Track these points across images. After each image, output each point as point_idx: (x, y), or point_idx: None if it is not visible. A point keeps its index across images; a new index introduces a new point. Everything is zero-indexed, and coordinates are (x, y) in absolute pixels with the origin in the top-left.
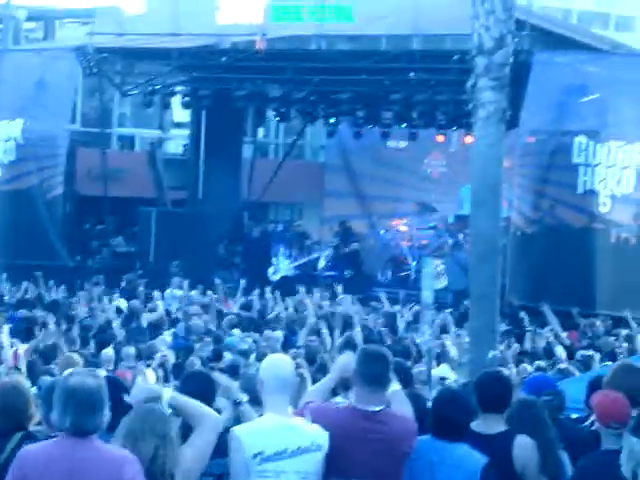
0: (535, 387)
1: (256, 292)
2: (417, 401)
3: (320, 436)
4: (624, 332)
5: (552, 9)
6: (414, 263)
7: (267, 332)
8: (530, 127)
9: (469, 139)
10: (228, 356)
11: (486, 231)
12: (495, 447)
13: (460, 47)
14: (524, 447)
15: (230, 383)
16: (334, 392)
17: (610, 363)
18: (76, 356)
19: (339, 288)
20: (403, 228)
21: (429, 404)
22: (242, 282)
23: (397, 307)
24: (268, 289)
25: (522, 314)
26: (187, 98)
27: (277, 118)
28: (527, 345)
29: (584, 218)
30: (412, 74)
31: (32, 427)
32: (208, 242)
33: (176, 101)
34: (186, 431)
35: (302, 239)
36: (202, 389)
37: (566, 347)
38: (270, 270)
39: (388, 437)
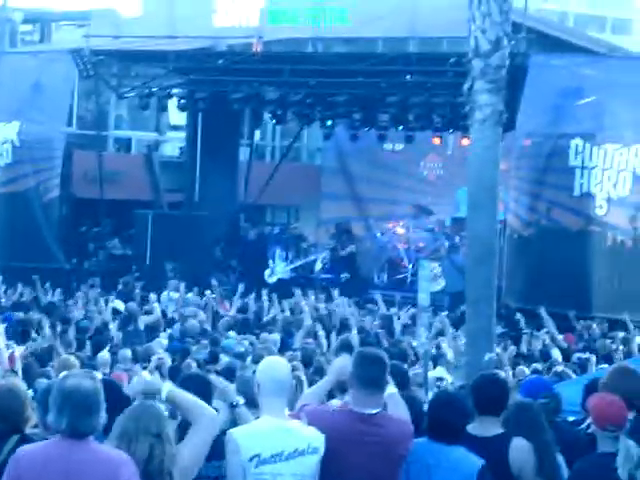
0: (531, 390)
1: (252, 295)
2: (413, 404)
3: (316, 439)
4: (621, 335)
5: (548, 12)
6: (410, 266)
7: (264, 335)
8: (526, 130)
9: (465, 141)
10: (225, 358)
11: (483, 233)
12: (491, 450)
13: (456, 50)
14: (520, 450)
15: (226, 386)
16: (331, 395)
17: (606, 366)
18: (72, 358)
19: (335, 292)
20: (400, 230)
21: (425, 407)
22: (240, 286)
23: (394, 310)
24: (265, 291)
25: (518, 316)
26: (184, 101)
27: (274, 121)
28: (523, 348)
29: (580, 221)
30: (408, 77)
31: (29, 430)
32: (205, 244)
33: (172, 103)
34: (183, 433)
35: (299, 241)
36: (198, 392)
37: (562, 350)
38: (266, 272)
39: (384, 440)
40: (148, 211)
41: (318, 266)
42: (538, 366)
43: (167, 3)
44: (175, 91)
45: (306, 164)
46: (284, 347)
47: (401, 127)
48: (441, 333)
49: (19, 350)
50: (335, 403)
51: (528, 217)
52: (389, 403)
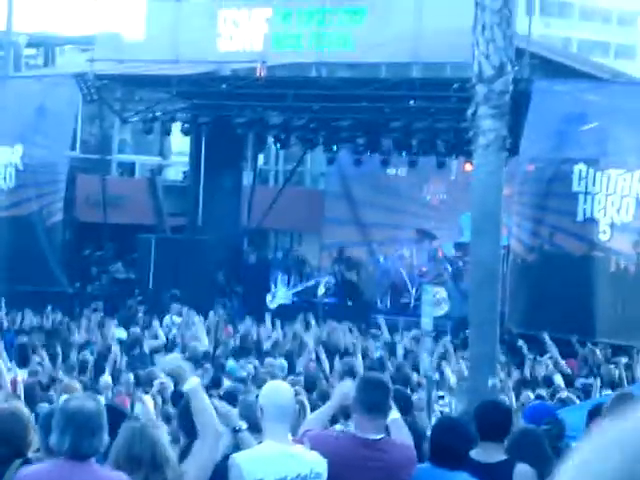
0: (534, 416)
1: (250, 320)
2: (415, 429)
3: (319, 464)
4: (624, 360)
5: (552, 37)
6: (414, 290)
7: (269, 360)
8: (530, 155)
9: (469, 167)
10: (227, 383)
11: (486, 258)
12: (495, 476)
13: (460, 75)
14: (524, 476)
15: (229, 410)
16: (334, 420)
17: (610, 392)
18: (75, 383)
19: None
20: (405, 254)
21: (428, 432)
22: (247, 320)
23: (397, 337)
24: (268, 317)
25: (520, 342)
26: (187, 125)
27: (277, 145)
28: (526, 373)
29: (584, 246)
30: (412, 102)
31: (31, 454)
32: (207, 269)
33: (176, 128)
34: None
35: (301, 266)
36: None
37: (565, 375)
38: (268, 297)
39: (387, 465)
40: (151, 235)
41: (321, 291)
42: (542, 392)
43: (171, 27)
44: (179, 115)
45: (309, 189)
46: (287, 372)
47: (404, 152)
48: (444, 358)
49: (22, 374)
50: (338, 428)
51: (531, 242)
52: (392, 428)
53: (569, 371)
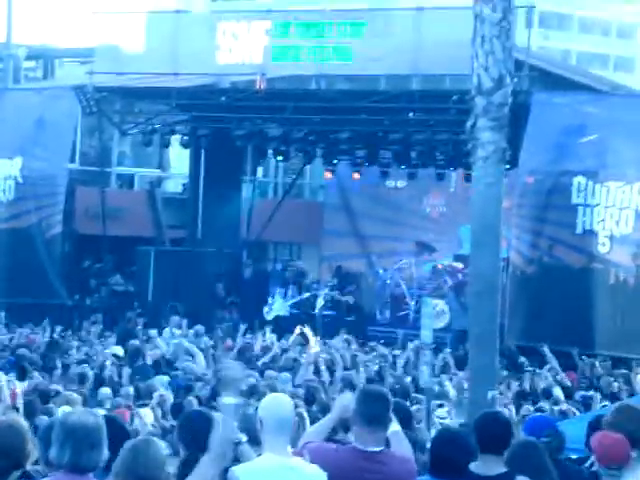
0: (534, 428)
1: (250, 333)
2: (415, 441)
3: (319, 476)
4: (624, 372)
5: (551, 49)
6: (413, 303)
7: (269, 372)
8: (529, 167)
9: (468, 179)
10: None
11: (486, 270)
12: None
13: (459, 87)
14: None
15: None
16: (334, 432)
17: (610, 404)
18: (75, 395)
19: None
20: (404, 266)
21: (428, 444)
22: (242, 327)
23: (397, 351)
24: (268, 329)
25: (521, 355)
26: (186, 137)
27: (276, 157)
28: (526, 385)
29: (583, 258)
30: (411, 114)
31: (30, 466)
32: (207, 281)
33: (175, 140)
34: (186, 469)
35: (300, 278)
36: (201, 428)
37: (565, 388)
38: (265, 309)
39: (387, 477)
40: (150, 247)
41: (320, 303)
42: (543, 405)
43: (170, 40)
44: (178, 128)
45: (309, 201)
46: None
47: (404, 164)
48: (444, 371)
49: (21, 386)
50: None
51: (530, 254)
52: (392, 440)
53: (569, 383)
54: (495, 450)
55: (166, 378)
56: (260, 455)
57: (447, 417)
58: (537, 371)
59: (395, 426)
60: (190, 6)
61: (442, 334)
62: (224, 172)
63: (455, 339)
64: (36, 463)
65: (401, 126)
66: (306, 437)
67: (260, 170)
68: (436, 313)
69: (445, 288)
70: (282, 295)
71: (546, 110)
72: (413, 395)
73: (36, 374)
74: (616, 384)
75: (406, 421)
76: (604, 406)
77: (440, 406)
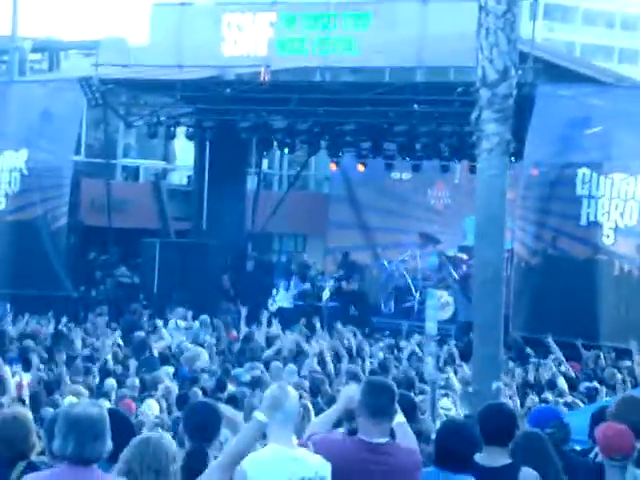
0: (539, 419)
1: (255, 324)
2: (420, 432)
3: (324, 467)
4: (628, 364)
5: (556, 42)
6: (418, 294)
7: (275, 363)
8: (534, 159)
9: (473, 171)
10: (231, 387)
11: (490, 262)
12: None
13: (464, 79)
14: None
15: (234, 414)
16: (339, 423)
17: (613, 396)
18: (81, 387)
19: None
20: (409, 258)
21: (433, 435)
22: (243, 311)
23: (403, 343)
24: (274, 321)
25: (525, 346)
26: (191, 129)
27: (282, 149)
28: (530, 376)
29: (587, 250)
30: (416, 106)
31: (35, 457)
32: (212, 273)
33: (181, 132)
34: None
35: (305, 270)
36: (207, 420)
37: (569, 379)
38: (269, 301)
39: (393, 469)
40: (155, 239)
41: (325, 295)
42: (548, 396)
43: (175, 32)
44: (183, 120)
45: (314, 192)
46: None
47: (408, 156)
48: (449, 363)
49: (27, 378)
50: (341, 430)
51: (535, 246)
52: (397, 432)
53: (573, 375)
54: (500, 442)
55: (171, 369)
56: (265, 446)
57: (452, 408)
58: (541, 362)
59: (400, 417)
60: None
61: (447, 326)
62: (229, 164)
63: (460, 331)
64: (42, 454)
65: (406, 118)
66: (311, 428)
67: (265, 162)
68: (441, 305)
69: (449, 280)
70: (285, 287)
71: (550, 102)
72: (417, 385)
73: (42, 366)
74: (620, 375)
75: (410, 412)
76: (608, 398)
77: (445, 395)
